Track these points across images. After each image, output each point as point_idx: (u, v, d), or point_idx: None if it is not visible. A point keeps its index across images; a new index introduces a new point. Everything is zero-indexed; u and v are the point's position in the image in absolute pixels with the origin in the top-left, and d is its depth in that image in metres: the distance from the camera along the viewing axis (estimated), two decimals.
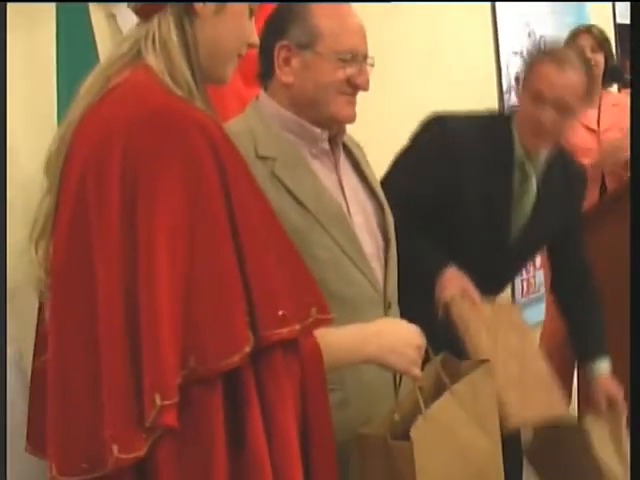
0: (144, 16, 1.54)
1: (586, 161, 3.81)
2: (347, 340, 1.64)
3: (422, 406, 1.78)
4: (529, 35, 5.26)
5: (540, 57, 2.55)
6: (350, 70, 1.92)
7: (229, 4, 1.54)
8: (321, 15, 1.91)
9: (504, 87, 5.03)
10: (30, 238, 1.55)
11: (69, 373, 1.42)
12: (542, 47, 2.61)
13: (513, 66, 5.07)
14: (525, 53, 5.19)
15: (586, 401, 2.58)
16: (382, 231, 2.07)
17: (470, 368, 1.96)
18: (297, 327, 1.43)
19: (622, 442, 2.52)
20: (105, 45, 2.59)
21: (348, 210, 1.99)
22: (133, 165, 1.38)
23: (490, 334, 2.35)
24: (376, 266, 2.02)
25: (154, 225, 1.35)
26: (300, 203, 1.88)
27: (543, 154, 2.59)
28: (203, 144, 1.39)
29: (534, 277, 4.77)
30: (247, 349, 1.35)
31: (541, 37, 5.30)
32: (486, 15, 4.95)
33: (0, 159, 1.94)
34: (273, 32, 1.93)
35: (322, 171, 1.97)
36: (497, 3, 4.96)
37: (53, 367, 1.45)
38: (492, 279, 2.55)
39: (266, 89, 2.00)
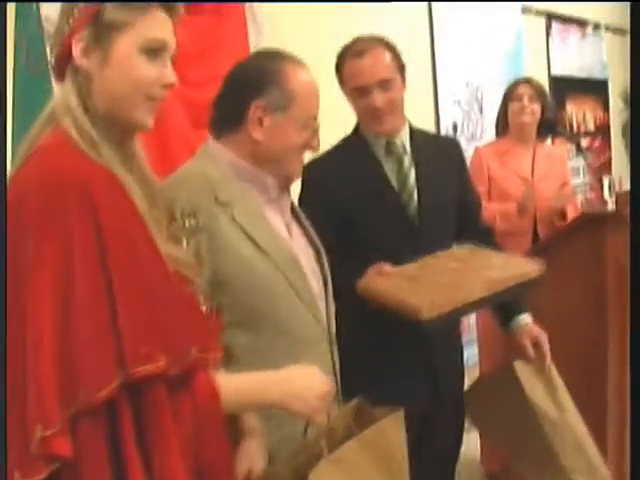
0: (58, 78, 1.65)
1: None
2: (251, 385, 1.70)
3: (325, 450, 1.82)
4: (467, 85, 5.46)
5: (341, 57, 2.67)
6: (309, 133, 2.06)
7: (112, 53, 1.60)
8: (294, 79, 2.01)
9: (442, 134, 5.18)
10: None
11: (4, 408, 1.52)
12: (343, 48, 2.70)
13: (451, 114, 5.29)
14: (463, 102, 5.38)
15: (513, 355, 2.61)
16: (321, 271, 2.17)
17: (382, 415, 1.97)
18: (162, 363, 1.49)
19: (552, 382, 2.58)
20: None
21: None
22: (25, 227, 1.48)
23: (412, 277, 2.37)
24: (320, 305, 2.11)
25: (38, 276, 1.45)
26: (260, 248, 1.96)
27: (403, 134, 2.71)
28: (81, 206, 1.48)
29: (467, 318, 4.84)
30: (114, 384, 1.44)
31: (477, 87, 5.49)
32: (426, 65, 5.12)
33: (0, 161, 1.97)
34: (246, 89, 2.01)
35: (274, 217, 2.07)
36: (436, 54, 5.14)
37: None
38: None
39: (218, 137, 2.07)
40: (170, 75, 1.66)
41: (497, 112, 4.35)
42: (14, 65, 2.73)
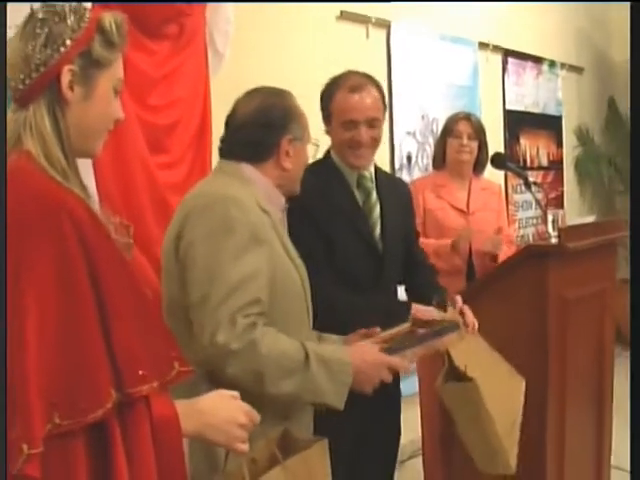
0: (21, 104, 1.66)
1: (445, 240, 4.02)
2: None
3: (246, 478, 1.84)
4: (422, 117, 5.58)
5: (333, 88, 2.85)
6: None
7: (95, 90, 1.69)
8: (302, 112, 2.36)
9: (396, 165, 5.34)
10: None
11: None
12: (335, 80, 2.89)
13: (406, 145, 5.42)
14: (418, 134, 5.49)
15: None
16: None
17: (307, 444, 2.01)
18: (155, 385, 1.59)
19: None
20: None
21: None
22: (15, 245, 1.53)
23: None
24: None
25: (25, 292, 1.50)
26: (288, 252, 2.27)
27: (371, 169, 2.92)
28: (69, 226, 1.54)
29: None
30: (109, 405, 1.51)
31: (433, 120, 5.61)
32: None
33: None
34: (276, 127, 2.29)
35: (284, 230, 2.37)
36: (393, 85, 5.27)
37: None
38: (381, 282, 2.85)
39: (251, 163, 2.28)
40: (121, 110, 1.79)
41: (434, 145, 4.43)
42: None
